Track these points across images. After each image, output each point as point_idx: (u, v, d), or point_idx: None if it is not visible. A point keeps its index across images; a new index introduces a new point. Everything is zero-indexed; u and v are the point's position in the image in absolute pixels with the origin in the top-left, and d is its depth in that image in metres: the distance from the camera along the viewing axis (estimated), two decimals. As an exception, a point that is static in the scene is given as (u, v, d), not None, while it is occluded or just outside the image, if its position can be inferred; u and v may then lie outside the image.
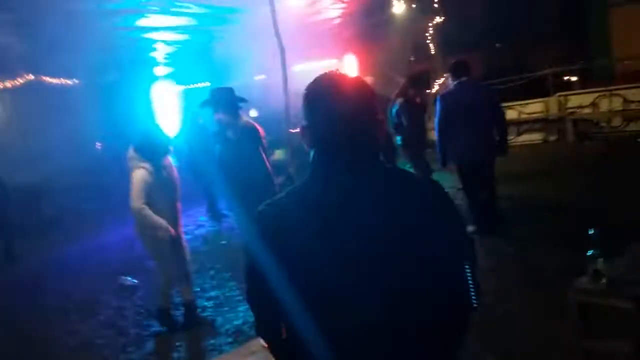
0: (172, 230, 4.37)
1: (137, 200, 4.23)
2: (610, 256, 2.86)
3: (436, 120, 5.91)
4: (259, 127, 4.99)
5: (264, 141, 5.04)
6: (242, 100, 5.01)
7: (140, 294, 5.92)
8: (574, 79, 12.76)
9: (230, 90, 4.95)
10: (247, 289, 1.49)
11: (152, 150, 4.44)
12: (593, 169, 8.14)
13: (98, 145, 14.39)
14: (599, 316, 2.91)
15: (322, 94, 1.35)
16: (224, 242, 7.57)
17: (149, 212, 4.26)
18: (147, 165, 4.35)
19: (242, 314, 4.79)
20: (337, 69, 1.42)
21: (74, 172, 11.21)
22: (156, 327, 4.87)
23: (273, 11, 6.86)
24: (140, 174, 4.29)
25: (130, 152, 4.43)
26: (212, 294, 5.53)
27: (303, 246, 1.30)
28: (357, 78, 1.40)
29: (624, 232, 3.38)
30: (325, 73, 1.38)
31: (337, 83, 1.35)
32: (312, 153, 1.37)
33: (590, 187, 6.97)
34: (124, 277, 6.35)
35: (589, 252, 2.84)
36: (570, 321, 2.95)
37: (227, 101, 4.86)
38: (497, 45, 15.72)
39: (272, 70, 12.27)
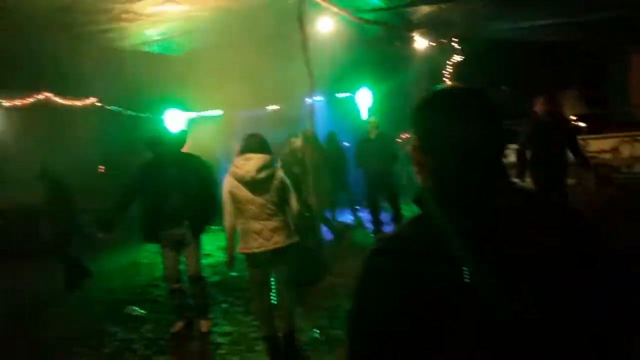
0: None
1: None
2: None
3: None
4: None
5: None
6: None
7: (148, 326, 5.46)
8: (582, 124, 12.56)
9: None
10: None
11: None
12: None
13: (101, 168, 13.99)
14: None
15: (447, 109, 1.07)
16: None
17: None
18: None
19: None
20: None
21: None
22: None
23: (305, 37, 6.47)
24: None
25: None
26: (227, 329, 5.13)
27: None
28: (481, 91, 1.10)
29: None
30: (446, 87, 1.18)
31: (466, 97, 1.09)
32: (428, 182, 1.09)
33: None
34: (130, 307, 5.90)
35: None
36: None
37: None
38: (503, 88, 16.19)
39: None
